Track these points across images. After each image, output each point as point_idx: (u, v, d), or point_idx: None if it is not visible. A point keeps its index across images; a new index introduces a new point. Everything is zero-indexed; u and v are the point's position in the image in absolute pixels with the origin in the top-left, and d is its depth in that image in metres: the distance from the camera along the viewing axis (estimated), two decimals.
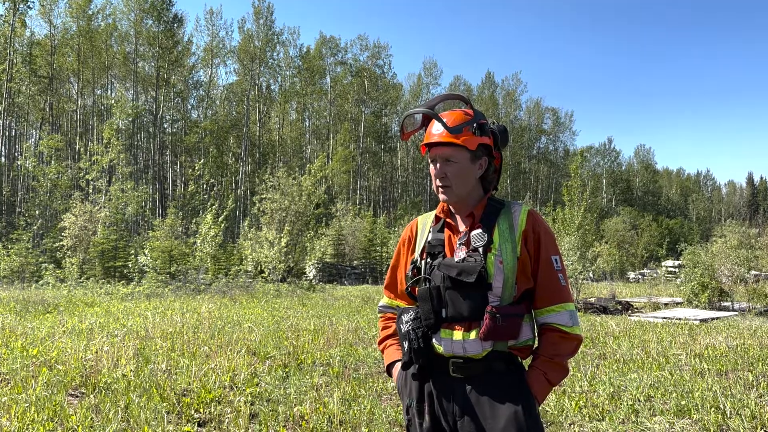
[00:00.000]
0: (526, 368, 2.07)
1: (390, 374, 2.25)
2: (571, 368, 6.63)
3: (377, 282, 30.78)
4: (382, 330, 2.36)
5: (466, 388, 1.98)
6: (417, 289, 2.08)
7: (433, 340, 2.02)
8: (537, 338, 2.07)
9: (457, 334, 1.97)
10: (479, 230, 2.01)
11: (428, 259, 2.08)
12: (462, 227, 2.09)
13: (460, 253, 2.01)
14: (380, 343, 2.35)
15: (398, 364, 2.18)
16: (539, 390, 2.00)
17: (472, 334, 1.95)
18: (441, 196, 2.09)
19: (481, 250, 1.98)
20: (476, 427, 1.95)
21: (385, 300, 2.37)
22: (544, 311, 2.04)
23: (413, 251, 2.19)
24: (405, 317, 2.05)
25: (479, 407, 1.96)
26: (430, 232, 2.15)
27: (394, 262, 2.30)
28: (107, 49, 51.38)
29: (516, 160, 71.32)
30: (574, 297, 15.86)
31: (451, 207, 2.13)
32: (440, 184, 2.06)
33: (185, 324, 9.60)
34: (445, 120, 2.05)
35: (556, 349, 2.01)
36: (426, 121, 2.15)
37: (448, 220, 2.13)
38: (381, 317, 2.39)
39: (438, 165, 2.06)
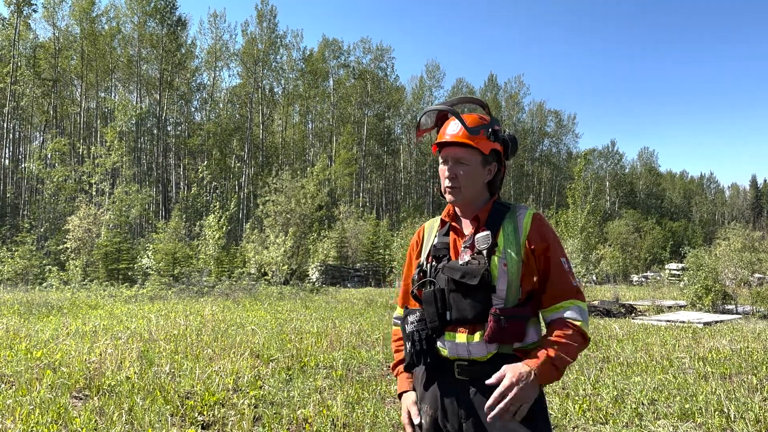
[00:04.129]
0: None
1: (401, 399, 2.24)
2: (574, 370, 6.63)
3: (380, 284, 30.77)
4: (395, 352, 2.34)
5: (471, 391, 1.98)
6: (422, 291, 2.08)
7: (438, 342, 2.02)
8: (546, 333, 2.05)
9: (461, 337, 1.97)
10: (484, 233, 2.01)
11: (433, 263, 2.09)
12: (467, 230, 2.10)
13: (465, 256, 2.01)
14: (393, 368, 2.33)
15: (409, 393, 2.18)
16: (546, 375, 1.89)
17: (476, 337, 1.95)
18: (448, 197, 2.09)
19: (485, 252, 1.98)
20: (482, 429, 1.95)
21: (399, 312, 2.34)
22: (555, 308, 2.01)
23: (419, 255, 2.21)
24: (410, 318, 2.06)
25: (484, 409, 1.96)
26: (436, 236, 2.16)
27: (405, 271, 2.31)
28: (111, 52, 51.60)
29: (519, 162, 71.33)
30: None
31: (456, 210, 2.14)
32: (449, 185, 2.07)
33: (188, 326, 9.61)
34: (457, 122, 2.06)
35: (565, 338, 1.94)
36: (440, 121, 2.16)
37: (453, 223, 2.13)
38: (394, 337, 2.36)
39: (449, 165, 2.07)
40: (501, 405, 1.84)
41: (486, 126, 2.05)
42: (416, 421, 2.10)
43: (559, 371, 1.92)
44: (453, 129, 2.06)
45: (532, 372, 1.86)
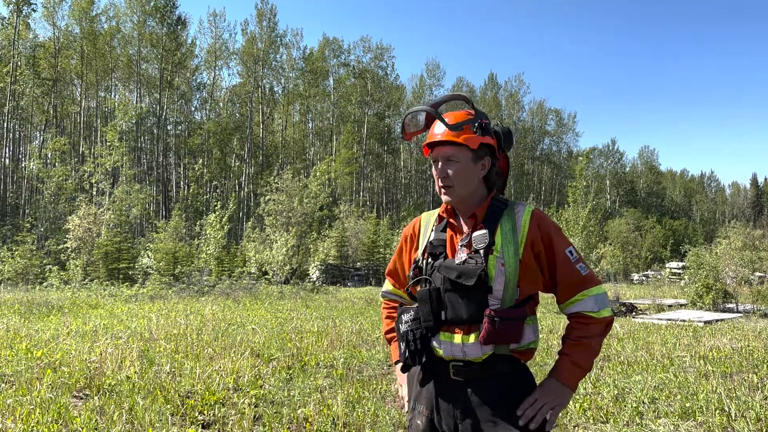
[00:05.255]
0: (529, 369, 2.06)
1: (395, 366, 2.30)
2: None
3: (380, 284, 30.75)
4: (386, 318, 2.39)
5: (467, 391, 1.97)
6: (417, 289, 2.06)
7: (433, 342, 2.00)
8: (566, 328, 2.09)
9: (457, 338, 1.95)
10: (481, 231, 1.98)
11: (430, 260, 2.06)
12: (464, 228, 2.07)
13: (462, 255, 1.98)
14: (386, 333, 2.38)
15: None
16: (568, 376, 1.97)
17: (472, 338, 1.93)
18: (443, 197, 2.07)
19: (482, 251, 1.95)
20: (478, 430, 1.94)
21: (388, 286, 2.39)
22: (568, 303, 2.02)
23: (416, 249, 2.18)
24: (405, 317, 2.04)
25: (480, 410, 1.94)
26: (432, 231, 2.13)
27: (399, 251, 2.30)
28: (110, 52, 51.56)
29: (519, 161, 71.30)
30: None
31: (454, 207, 2.12)
32: (442, 184, 2.05)
33: (189, 326, 9.61)
34: (446, 119, 2.05)
35: (582, 332, 1.98)
36: (429, 122, 2.14)
37: (450, 220, 2.10)
38: (385, 305, 2.41)
39: (440, 164, 2.05)
40: (531, 409, 1.92)
41: (471, 121, 2.02)
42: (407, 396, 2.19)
43: (586, 369, 2.01)
44: (440, 128, 2.05)
45: (561, 384, 1.97)
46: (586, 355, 1.98)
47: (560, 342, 2.07)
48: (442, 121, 2.02)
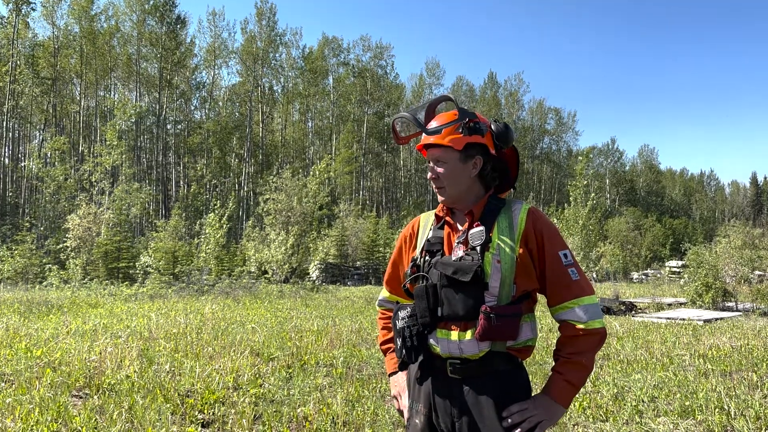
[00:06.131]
0: (526, 368, 2.06)
1: (390, 378, 2.31)
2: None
3: (380, 283, 30.73)
4: (382, 329, 2.37)
5: (464, 389, 1.97)
6: (414, 286, 2.07)
7: (431, 340, 2.00)
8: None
9: (454, 335, 1.95)
10: (478, 228, 1.99)
11: (427, 257, 2.07)
12: (461, 225, 2.08)
13: (458, 252, 1.99)
14: (382, 344, 2.36)
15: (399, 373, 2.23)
16: (560, 395, 1.95)
17: (468, 335, 1.93)
18: (439, 197, 2.11)
19: (478, 248, 1.95)
20: (474, 428, 1.94)
21: (385, 294, 2.37)
22: (557, 309, 2.00)
23: (414, 248, 2.18)
24: (401, 314, 2.04)
25: (477, 408, 1.94)
26: (431, 229, 2.14)
27: (395, 257, 2.30)
28: (110, 51, 51.53)
29: (519, 160, 71.12)
30: None
31: (451, 206, 2.13)
32: (434, 185, 2.10)
33: (189, 325, 9.61)
34: (435, 121, 2.07)
35: (573, 347, 1.96)
36: (427, 122, 2.16)
37: (447, 218, 2.12)
38: (381, 315, 2.40)
39: (431, 165, 2.09)
40: (518, 415, 1.91)
41: (453, 122, 2.03)
42: (407, 404, 2.15)
43: (579, 386, 1.98)
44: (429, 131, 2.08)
45: (554, 402, 1.95)
46: (578, 373, 1.96)
47: (553, 356, 2.05)
48: (420, 125, 2.07)
